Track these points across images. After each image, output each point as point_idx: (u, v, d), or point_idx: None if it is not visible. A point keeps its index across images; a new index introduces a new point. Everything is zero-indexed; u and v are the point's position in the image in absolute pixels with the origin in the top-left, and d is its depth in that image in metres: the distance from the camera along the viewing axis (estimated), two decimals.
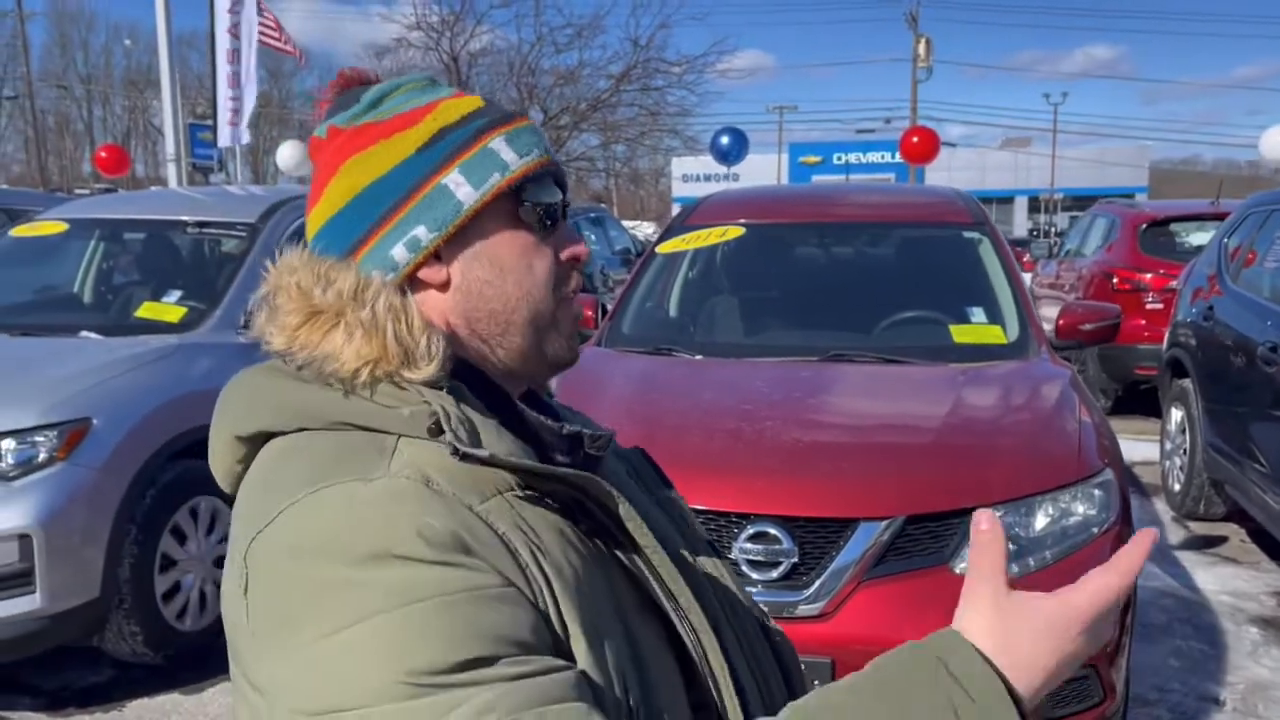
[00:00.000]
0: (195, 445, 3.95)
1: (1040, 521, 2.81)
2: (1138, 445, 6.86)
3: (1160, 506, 6.00)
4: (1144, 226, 8.56)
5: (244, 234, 4.81)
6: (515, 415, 0.88)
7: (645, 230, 24.33)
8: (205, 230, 4.95)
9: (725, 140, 13.69)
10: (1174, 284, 7.04)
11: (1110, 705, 2.73)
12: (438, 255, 0.85)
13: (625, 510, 0.82)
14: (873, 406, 3.32)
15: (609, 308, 4.33)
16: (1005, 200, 52.51)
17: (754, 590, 2.69)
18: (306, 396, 0.81)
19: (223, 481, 0.89)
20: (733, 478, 2.85)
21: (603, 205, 14.28)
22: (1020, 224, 51.09)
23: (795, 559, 2.68)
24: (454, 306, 0.87)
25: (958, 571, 2.64)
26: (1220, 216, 7.41)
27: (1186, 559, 5.15)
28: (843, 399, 3.36)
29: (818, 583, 2.66)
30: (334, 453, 0.77)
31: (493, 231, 0.87)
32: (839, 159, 51.27)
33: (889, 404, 3.31)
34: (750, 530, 2.72)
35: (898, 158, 37.13)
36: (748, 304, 4.28)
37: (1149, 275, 8.18)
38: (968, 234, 4.26)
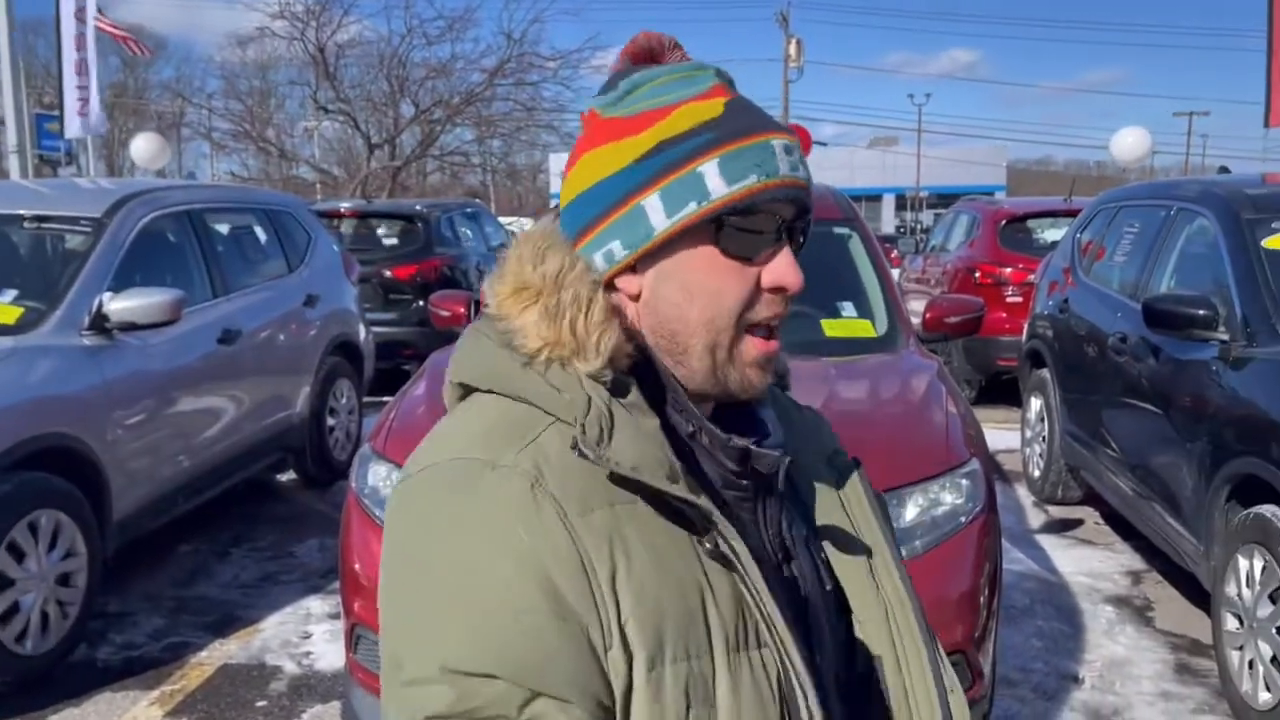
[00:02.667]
0: (36, 455, 3.69)
1: (911, 512, 2.85)
2: (1000, 434, 7.11)
3: (1021, 492, 6.24)
4: (1003, 223, 8.90)
5: (89, 229, 4.52)
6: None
7: (523, 226, 24.03)
8: (45, 225, 4.63)
9: None
10: (1032, 278, 7.33)
11: (979, 689, 2.80)
12: (633, 267, 0.86)
13: (738, 547, 0.82)
14: None
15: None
16: (874, 198, 54.13)
17: None
18: (499, 363, 0.85)
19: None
20: None
21: (479, 201, 14.02)
22: (888, 221, 52.73)
23: None
24: (643, 317, 0.87)
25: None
26: (1073, 213, 7.76)
27: (1046, 542, 5.36)
28: None
29: None
30: (495, 425, 0.82)
31: (687, 254, 0.85)
32: None
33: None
34: None
35: None
36: None
37: (1009, 269, 8.51)
38: (838, 229, 4.31)
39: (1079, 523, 5.66)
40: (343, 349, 6.43)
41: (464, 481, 0.79)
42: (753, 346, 0.86)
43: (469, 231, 10.47)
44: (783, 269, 0.86)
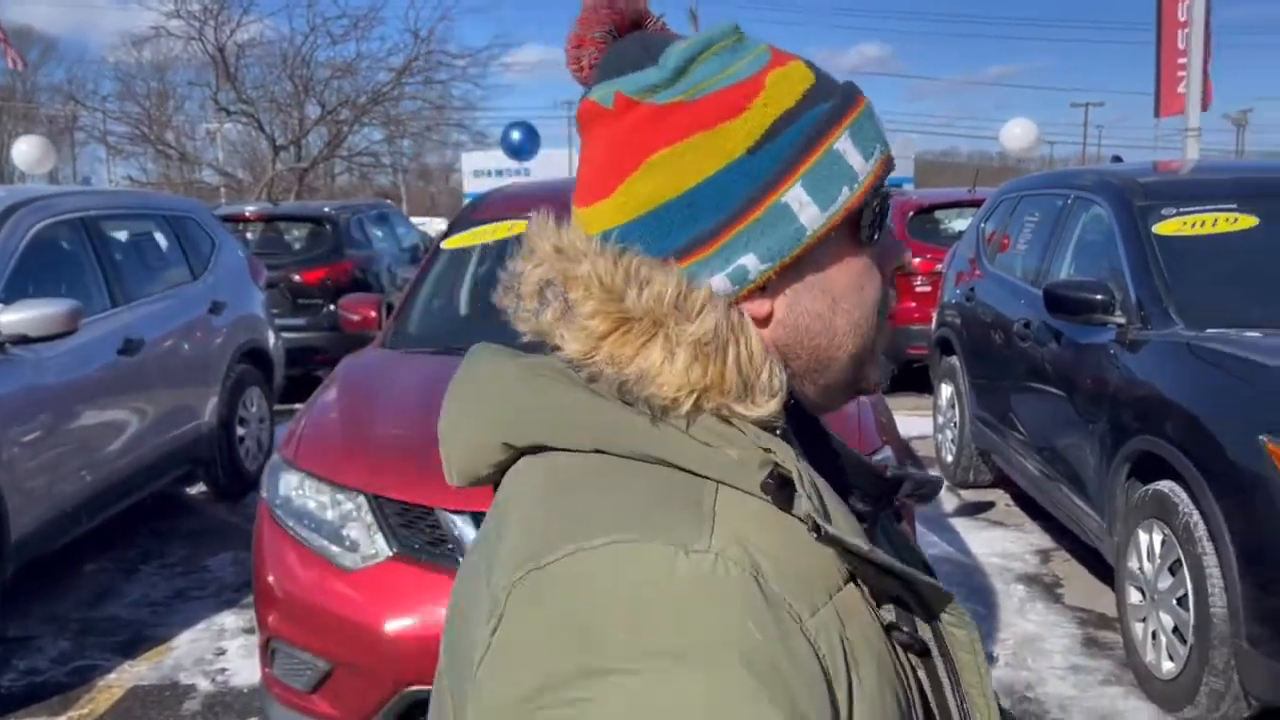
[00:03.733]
0: None
1: None
2: (913, 421, 7.27)
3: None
4: (911, 214, 9.10)
5: None
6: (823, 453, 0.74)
7: (437, 227, 23.86)
8: None
9: (516, 135, 13.53)
10: (940, 268, 7.51)
11: None
12: (762, 286, 0.68)
13: (968, 636, 0.69)
14: None
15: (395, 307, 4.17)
16: None
17: None
18: (613, 418, 0.65)
19: (459, 478, 0.75)
20: None
21: (389, 201, 13.82)
22: None
23: None
24: (772, 341, 0.70)
25: None
26: (977, 203, 7.98)
27: (959, 525, 5.50)
28: None
29: None
30: (645, 497, 0.62)
31: (829, 255, 0.70)
32: None
33: None
34: None
35: None
36: None
37: (917, 260, 8.70)
38: None
39: (990, 505, 5.82)
40: (251, 356, 6.27)
41: (653, 573, 0.58)
42: (885, 335, 0.76)
43: (380, 233, 10.32)
44: (897, 242, 0.76)
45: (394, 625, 2.65)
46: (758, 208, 0.67)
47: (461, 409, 0.74)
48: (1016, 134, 14.79)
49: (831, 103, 0.70)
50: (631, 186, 0.68)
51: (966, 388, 5.89)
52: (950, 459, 6.23)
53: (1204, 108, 10.53)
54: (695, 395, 0.64)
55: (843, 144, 0.69)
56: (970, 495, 5.99)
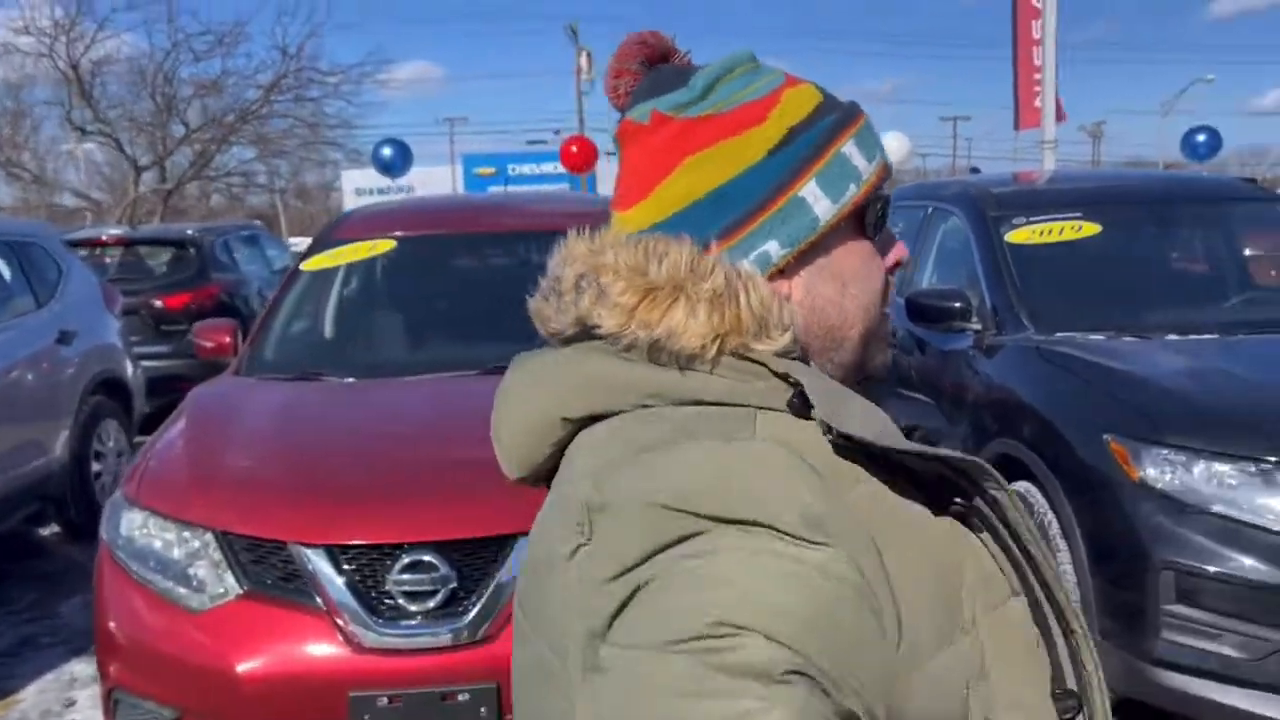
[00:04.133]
0: None
1: None
2: None
3: None
4: None
5: None
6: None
7: None
8: None
9: (387, 152, 13.24)
10: None
11: None
12: (782, 270, 0.79)
13: (1009, 500, 0.76)
14: None
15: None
16: None
17: (411, 624, 2.57)
18: (648, 374, 0.75)
19: (518, 469, 0.84)
20: (385, 507, 2.70)
21: (257, 222, 13.35)
22: None
23: (454, 584, 2.59)
24: (795, 320, 0.79)
25: None
26: None
27: None
28: None
29: (479, 606, 2.58)
30: (690, 421, 0.73)
31: (838, 244, 0.81)
32: (513, 170, 51.66)
33: None
34: (405, 560, 2.59)
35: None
36: (404, 320, 4.12)
37: None
38: None
39: None
40: (106, 387, 5.96)
41: (706, 456, 0.68)
42: (888, 322, 0.87)
43: (248, 255, 9.97)
44: (895, 242, 0.87)
45: (245, 667, 2.52)
46: (778, 201, 0.78)
47: (518, 399, 0.82)
48: (892, 147, 15.25)
49: (837, 115, 0.82)
50: (666, 188, 0.79)
51: None
52: None
53: (1058, 121, 11.06)
54: (718, 340, 0.74)
55: (849, 148, 0.81)
56: None
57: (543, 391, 0.80)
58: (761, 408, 0.74)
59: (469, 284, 4.34)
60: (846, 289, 0.82)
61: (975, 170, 6.91)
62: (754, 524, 0.64)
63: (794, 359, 0.77)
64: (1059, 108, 11.13)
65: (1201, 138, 20.95)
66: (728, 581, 0.62)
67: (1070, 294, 4.19)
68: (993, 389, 3.92)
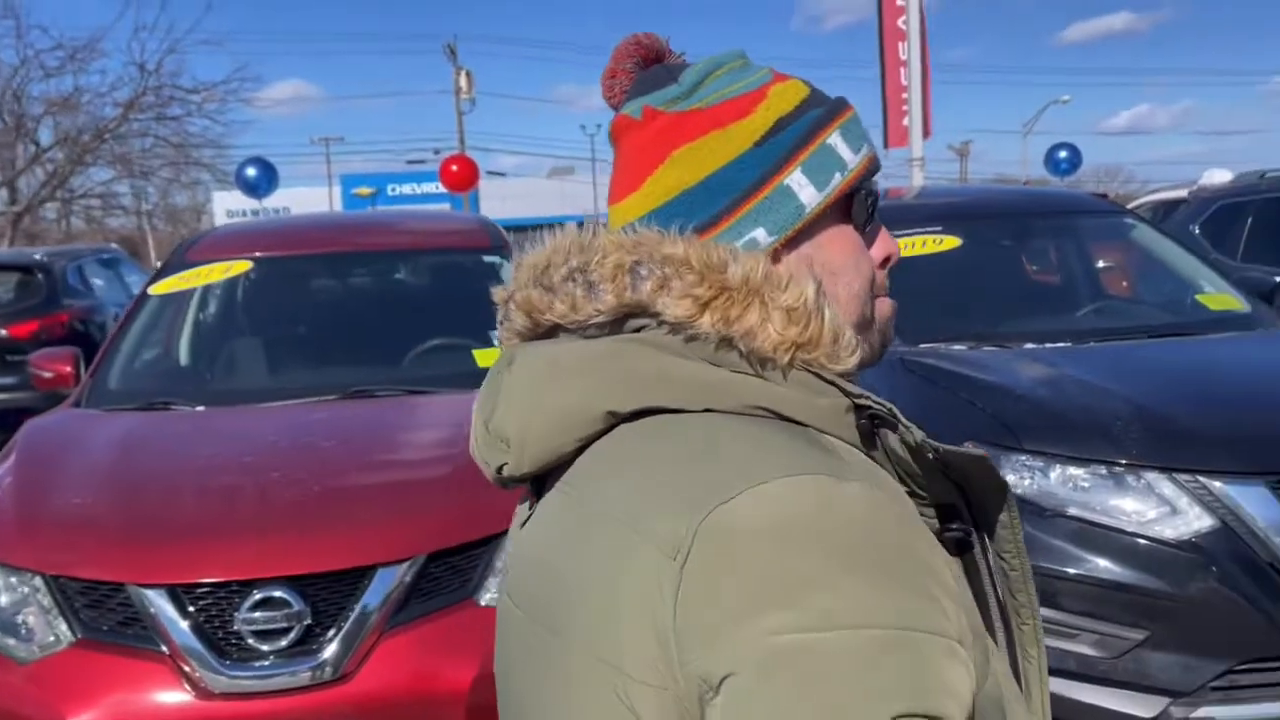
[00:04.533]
0: None
1: None
2: None
3: None
4: None
5: None
6: None
7: None
8: None
9: (251, 172, 12.75)
10: None
11: None
12: (771, 258, 0.79)
13: (1010, 520, 0.79)
14: (392, 442, 3.17)
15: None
16: (556, 225, 55.27)
17: (264, 664, 2.43)
18: (721, 377, 0.74)
19: (528, 464, 0.79)
20: (232, 542, 2.56)
21: (114, 246, 12.73)
22: None
23: (308, 620, 2.46)
24: None
25: (483, 604, 2.57)
26: None
27: None
28: (360, 438, 3.16)
29: (336, 642, 2.45)
30: (776, 440, 0.71)
31: (826, 232, 0.83)
32: (393, 190, 50.89)
33: (410, 438, 3.18)
34: (256, 597, 2.45)
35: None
36: (260, 345, 3.95)
37: None
38: (488, 258, 4.27)
39: None
40: None
41: (827, 497, 0.66)
42: (884, 306, 0.88)
43: (104, 281, 9.48)
44: (887, 236, 0.89)
45: None
46: (765, 188, 0.80)
47: (544, 390, 0.78)
48: None
49: (825, 108, 0.84)
50: (657, 180, 0.81)
51: None
52: None
53: (925, 138, 11.45)
54: (792, 349, 0.74)
55: (834, 139, 0.82)
56: None
57: (583, 383, 0.76)
58: (823, 431, 0.74)
59: (329, 306, 4.20)
60: (838, 278, 0.83)
61: None
62: (876, 571, 0.65)
63: (858, 382, 0.79)
64: (927, 126, 11.53)
65: (1064, 154, 22.02)
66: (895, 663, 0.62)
67: (933, 306, 4.29)
68: None
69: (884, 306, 0.88)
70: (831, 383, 0.75)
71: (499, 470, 0.82)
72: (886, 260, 0.88)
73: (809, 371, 0.75)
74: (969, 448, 0.76)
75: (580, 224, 0.87)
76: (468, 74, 37.97)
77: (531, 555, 0.79)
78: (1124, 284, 5.82)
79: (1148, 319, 4.29)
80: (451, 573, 2.61)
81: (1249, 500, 2.86)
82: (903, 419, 0.75)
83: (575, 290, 0.78)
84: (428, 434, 3.17)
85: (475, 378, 3.71)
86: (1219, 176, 6.77)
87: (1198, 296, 4.23)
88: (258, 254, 4.04)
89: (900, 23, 11.53)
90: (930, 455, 0.73)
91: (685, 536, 0.66)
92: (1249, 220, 6.27)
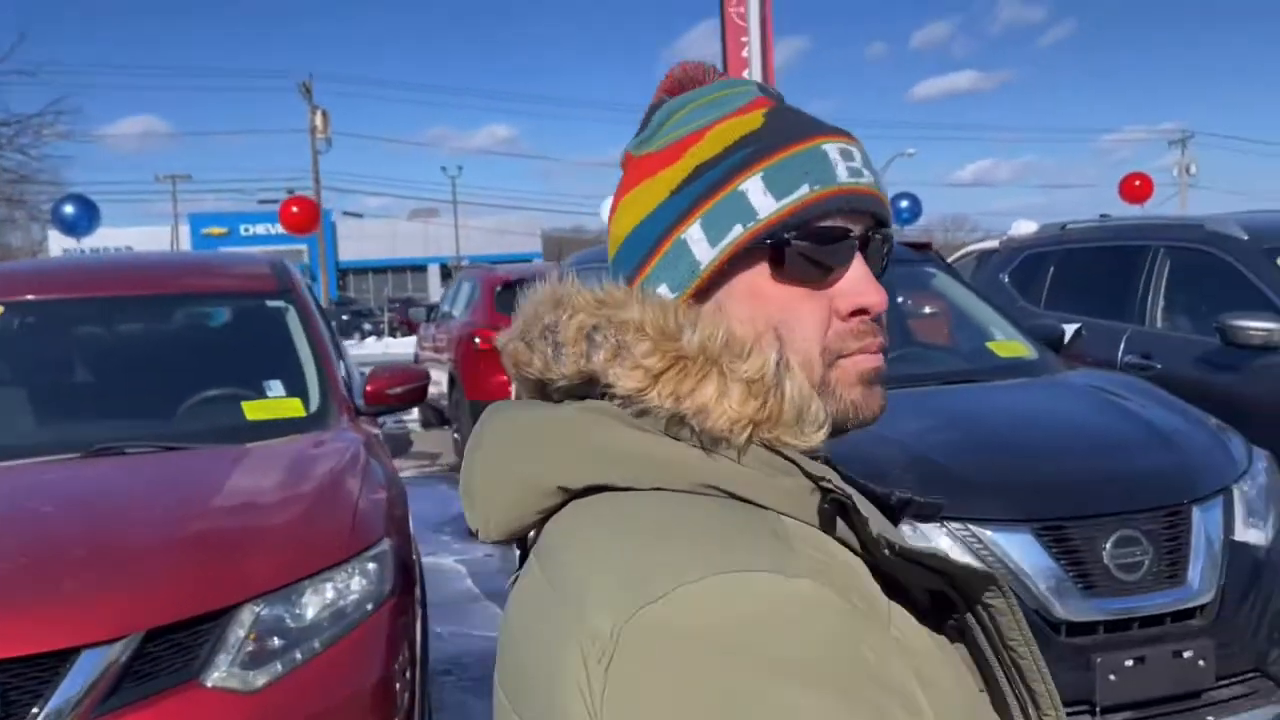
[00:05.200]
0: None
1: (313, 608, 2.61)
2: None
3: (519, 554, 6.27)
4: (499, 288, 9.15)
5: None
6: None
7: None
8: None
9: (69, 210, 11.94)
10: None
11: None
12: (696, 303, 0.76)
13: (1006, 603, 0.71)
14: (126, 505, 2.89)
15: None
16: (419, 268, 54.61)
17: None
18: (670, 454, 0.69)
19: (497, 532, 0.77)
20: None
21: None
22: (435, 290, 53.40)
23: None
24: None
25: (209, 685, 2.34)
26: None
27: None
28: (90, 501, 2.88)
29: None
30: (721, 527, 0.66)
31: (744, 285, 0.76)
32: (246, 230, 49.27)
33: (149, 499, 2.91)
34: None
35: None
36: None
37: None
38: (272, 303, 4.03)
39: None
40: None
41: (766, 598, 0.61)
42: (849, 366, 0.76)
43: None
44: (857, 285, 0.76)
45: None
46: (665, 243, 0.76)
47: (506, 456, 0.75)
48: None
49: (756, 146, 0.76)
50: (615, 224, 0.82)
51: None
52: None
53: None
54: (750, 427, 0.69)
55: (750, 185, 0.74)
56: None
57: (540, 453, 0.73)
58: (783, 513, 0.69)
59: (87, 355, 3.87)
60: (760, 335, 0.74)
61: None
62: (824, 683, 0.60)
63: (819, 457, 0.74)
64: None
65: (905, 204, 23.00)
66: None
67: None
68: None
69: (848, 369, 0.77)
70: (793, 460, 0.70)
71: (475, 533, 0.80)
72: (859, 313, 0.77)
73: (769, 449, 0.70)
74: (931, 548, 0.70)
75: (563, 274, 0.80)
76: (324, 113, 37.21)
77: (509, 628, 0.76)
78: (945, 330, 5.97)
79: (942, 365, 4.36)
80: (175, 651, 2.36)
81: (1015, 548, 2.88)
82: (858, 507, 0.69)
83: (546, 349, 0.75)
84: (172, 494, 2.91)
85: (242, 432, 3.46)
86: (1025, 227, 7.06)
87: (988, 343, 4.33)
88: (8, 299, 3.71)
89: (745, 75, 11.80)
90: (886, 552, 0.68)
91: (609, 638, 0.62)
92: (1051, 269, 6.54)
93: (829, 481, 0.70)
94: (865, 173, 0.77)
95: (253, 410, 3.48)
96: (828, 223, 0.76)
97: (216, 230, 50.45)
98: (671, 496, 0.69)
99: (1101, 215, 7.11)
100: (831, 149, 0.76)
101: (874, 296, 0.77)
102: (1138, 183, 18.20)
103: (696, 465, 0.69)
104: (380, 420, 4.07)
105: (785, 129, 0.77)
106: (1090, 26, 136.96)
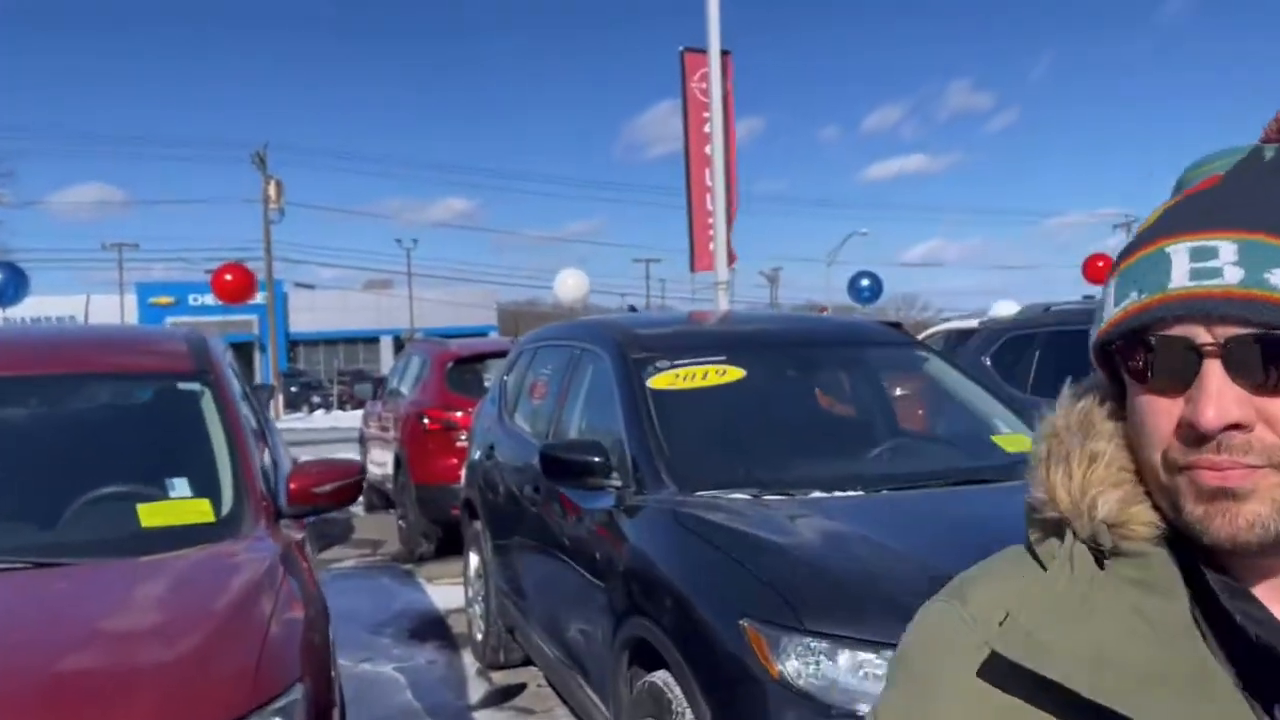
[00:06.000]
0: None
1: None
2: (458, 591, 6.59)
3: (468, 659, 5.68)
4: (450, 364, 8.62)
5: None
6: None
7: None
8: None
9: None
10: None
11: None
12: None
13: None
14: None
15: None
16: (371, 340, 53.81)
17: None
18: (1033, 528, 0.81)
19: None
20: None
21: None
22: (387, 362, 52.50)
23: None
24: None
25: None
26: None
27: (485, 717, 4.83)
28: None
29: None
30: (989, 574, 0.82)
31: (1128, 385, 0.76)
32: (195, 299, 48.26)
33: None
34: None
35: (262, 298, 35.47)
36: None
37: (458, 413, 8.15)
38: (185, 385, 3.49)
39: (521, 688, 5.20)
40: None
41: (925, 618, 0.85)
42: (1187, 482, 0.71)
43: None
44: (1193, 404, 0.70)
45: None
46: None
47: None
48: (570, 284, 15.15)
49: (1126, 247, 0.76)
50: None
51: (490, 556, 5.32)
52: (480, 637, 5.57)
53: (730, 263, 11.41)
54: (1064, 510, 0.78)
55: (1108, 289, 0.77)
56: (501, 678, 5.35)
57: None
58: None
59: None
60: (1137, 436, 0.75)
61: (633, 309, 6.71)
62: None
63: (1102, 550, 0.76)
64: (730, 252, 11.52)
65: (865, 282, 22.98)
66: None
67: (713, 446, 3.80)
68: (631, 559, 3.38)
69: (1186, 484, 0.71)
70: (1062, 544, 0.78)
71: None
72: (1183, 427, 0.70)
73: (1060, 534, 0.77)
74: None
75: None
76: (277, 182, 36.79)
77: None
78: (919, 412, 5.56)
79: (944, 462, 3.93)
80: None
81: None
82: (1022, 614, 0.77)
83: None
84: (29, 628, 2.35)
85: (135, 542, 2.84)
86: (1007, 308, 6.77)
87: (993, 437, 3.91)
88: None
89: (706, 150, 11.58)
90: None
91: None
92: (1037, 352, 6.21)
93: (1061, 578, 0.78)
94: (1212, 276, 0.69)
95: (150, 515, 2.93)
96: (1162, 332, 0.71)
97: (164, 300, 49.44)
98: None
99: (1085, 297, 6.84)
100: (1176, 250, 0.71)
101: (1202, 414, 0.69)
102: (1100, 263, 18.38)
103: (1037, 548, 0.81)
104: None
105: (1156, 227, 0.75)
106: (1032, 114, 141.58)
